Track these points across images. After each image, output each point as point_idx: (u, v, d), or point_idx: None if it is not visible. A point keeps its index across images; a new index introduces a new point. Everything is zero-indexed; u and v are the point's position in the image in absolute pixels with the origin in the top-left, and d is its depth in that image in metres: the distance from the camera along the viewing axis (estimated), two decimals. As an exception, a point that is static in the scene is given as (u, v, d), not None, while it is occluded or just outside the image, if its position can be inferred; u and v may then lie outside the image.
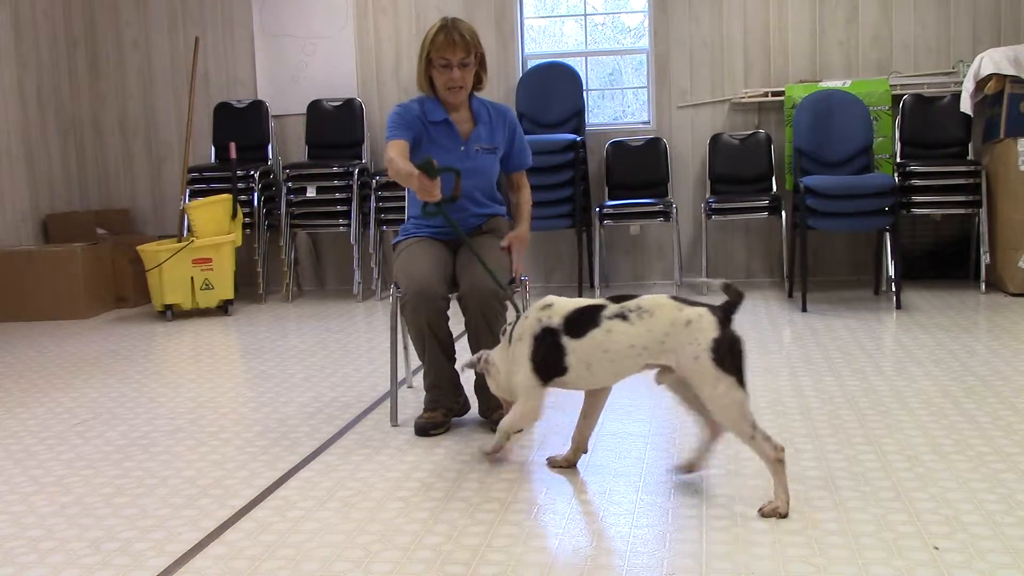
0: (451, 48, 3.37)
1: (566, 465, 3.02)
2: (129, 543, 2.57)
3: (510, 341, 2.97)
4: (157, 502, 2.86)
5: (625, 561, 2.33)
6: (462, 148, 3.48)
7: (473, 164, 3.47)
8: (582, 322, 2.80)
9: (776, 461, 2.58)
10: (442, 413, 3.44)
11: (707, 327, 2.63)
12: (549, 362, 2.84)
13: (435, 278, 3.30)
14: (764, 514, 2.57)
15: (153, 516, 2.75)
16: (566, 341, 2.80)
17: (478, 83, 3.54)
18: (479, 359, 3.11)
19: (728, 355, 2.60)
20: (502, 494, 2.81)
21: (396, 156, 3.34)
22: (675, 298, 2.73)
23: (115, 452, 3.37)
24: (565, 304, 2.88)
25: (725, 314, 2.67)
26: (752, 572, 2.24)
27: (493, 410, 3.44)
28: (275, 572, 2.35)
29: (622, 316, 2.74)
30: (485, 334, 3.30)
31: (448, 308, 3.35)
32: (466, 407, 3.60)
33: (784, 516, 2.55)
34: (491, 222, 3.59)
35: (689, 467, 2.89)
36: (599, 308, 2.80)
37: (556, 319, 2.85)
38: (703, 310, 2.67)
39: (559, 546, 2.43)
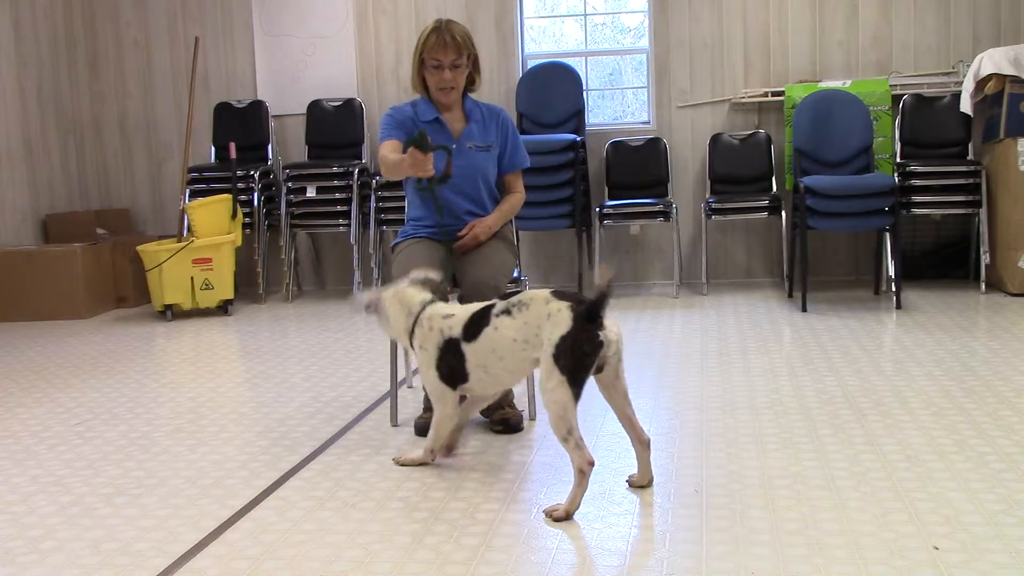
0: (442, 49, 3.40)
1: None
2: (129, 543, 2.57)
3: (413, 327, 3.02)
4: (157, 502, 2.86)
5: (625, 561, 2.33)
6: (454, 146, 3.49)
7: (466, 162, 3.48)
8: (478, 324, 2.87)
9: (579, 471, 2.61)
10: None
11: (561, 322, 2.64)
12: (453, 370, 2.92)
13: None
14: (545, 513, 2.62)
15: (153, 516, 2.75)
16: (465, 347, 2.88)
17: (471, 84, 3.56)
18: (370, 302, 3.14)
19: (567, 354, 2.60)
20: (502, 494, 2.81)
21: (387, 153, 3.37)
22: (553, 292, 2.76)
23: (115, 452, 3.37)
24: (465, 311, 2.94)
25: (588, 311, 2.63)
26: (752, 572, 2.24)
27: (494, 410, 3.44)
28: (275, 572, 2.35)
29: (507, 312, 2.81)
30: None
31: None
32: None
33: (560, 520, 2.58)
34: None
35: (638, 483, 2.84)
36: (491, 307, 2.87)
37: (457, 328, 2.91)
38: (564, 305, 2.67)
39: (559, 546, 2.44)
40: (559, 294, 2.74)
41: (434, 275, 3.16)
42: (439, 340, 2.95)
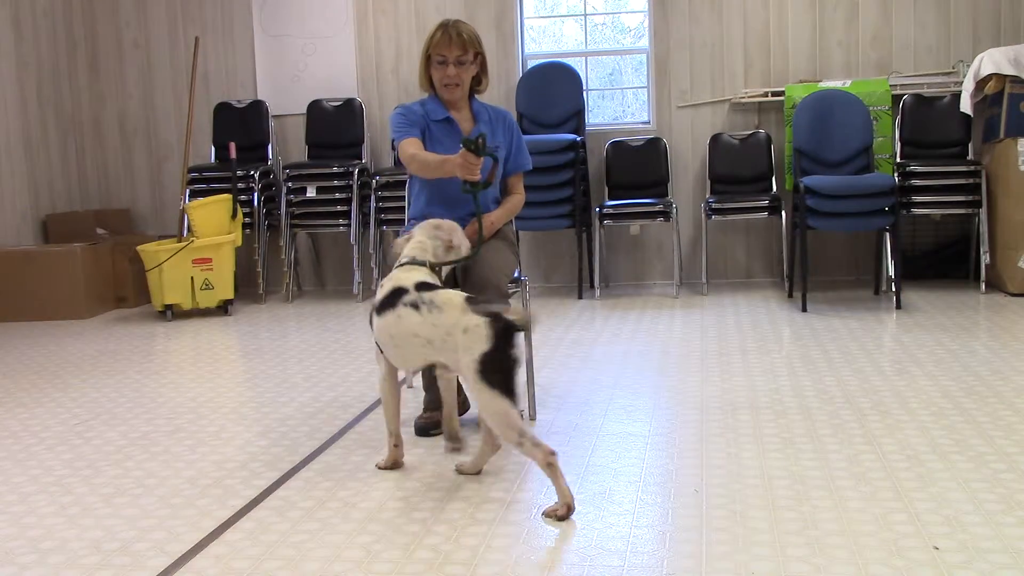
0: (447, 45, 3.43)
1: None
2: (129, 543, 2.57)
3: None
4: (157, 502, 2.86)
5: (625, 561, 2.33)
6: (461, 146, 3.49)
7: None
8: (388, 302, 2.89)
9: (547, 465, 2.62)
10: (441, 413, 3.43)
11: (480, 338, 2.66)
12: (373, 332, 3.00)
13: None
14: (547, 514, 2.62)
15: (153, 516, 2.75)
16: (374, 318, 2.93)
17: (478, 85, 3.57)
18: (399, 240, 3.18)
19: (494, 369, 2.63)
20: (502, 494, 2.81)
21: (417, 151, 3.37)
22: (468, 299, 2.77)
23: (115, 452, 3.37)
24: (394, 283, 2.93)
25: (505, 326, 2.67)
26: (752, 572, 2.24)
27: None
28: (275, 572, 2.35)
29: (414, 305, 2.82)
30: None
31: None
32: (466, 406, 3.60)
33: (564, 517, 2.59)
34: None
35: (470, 470, 2.94)
36: (403, 292, 2.88)
37: (380, 294, 2.95)
38: (483, 321, 2.68)
39: (559, 546, 2.44)
40: (474, 303, 2.75)
41: (459, 243, 3.14)
42: (377, 298, 2.98)
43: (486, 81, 3.59)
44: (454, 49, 3.44)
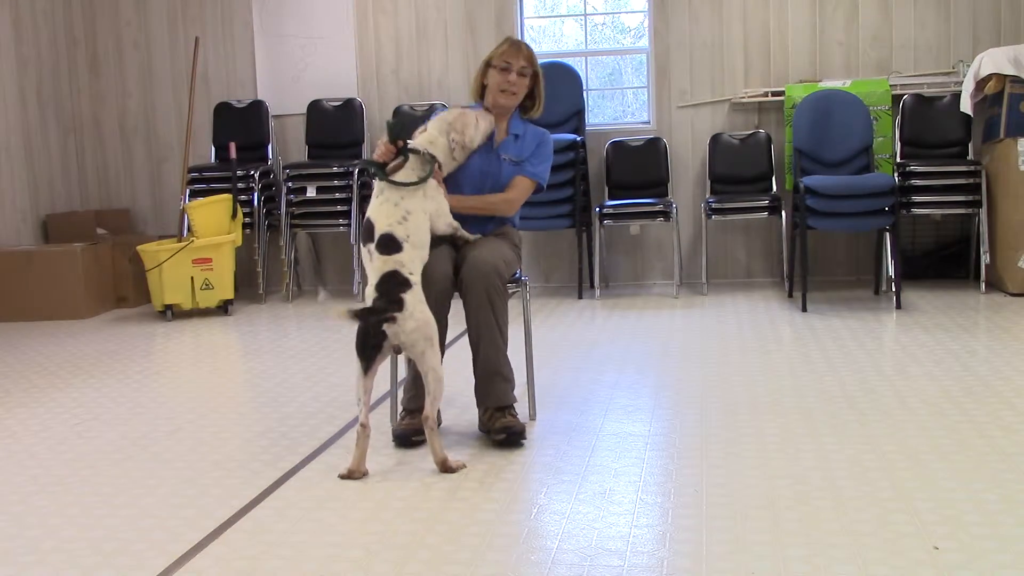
0: (515, 55, 3.52)
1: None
2: (129, 543, 2.57)
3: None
4: (157, 502, 2.86)
5: (625, 561, 2.33)
6: (489, 152, 3.51)
7: (496, 169, 3.50)
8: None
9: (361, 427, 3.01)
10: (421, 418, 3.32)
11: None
12: None
13: (441, 263, 3.26)
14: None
15: (153, 516, 2.75)
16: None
17: (530, 106, 3.63)
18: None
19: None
20: (502, 494, 2.81)
21: None
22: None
23: (115, 452, 3.37)
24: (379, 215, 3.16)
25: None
26: (752, 572, 2.24)
27: (493, 413, 3.36)
28: (275, 572, 2.35)
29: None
30: (487, 314, 3.25)
31: (451, 297, 3.31)
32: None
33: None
34: (499, 229, 3.56)
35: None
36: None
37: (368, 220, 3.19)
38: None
39: (559, 546, 2.44)
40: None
41: (471, 137, 3.35)
42: None
43: (539, 105, 3.65)
44: (520, 59, 3.52)
